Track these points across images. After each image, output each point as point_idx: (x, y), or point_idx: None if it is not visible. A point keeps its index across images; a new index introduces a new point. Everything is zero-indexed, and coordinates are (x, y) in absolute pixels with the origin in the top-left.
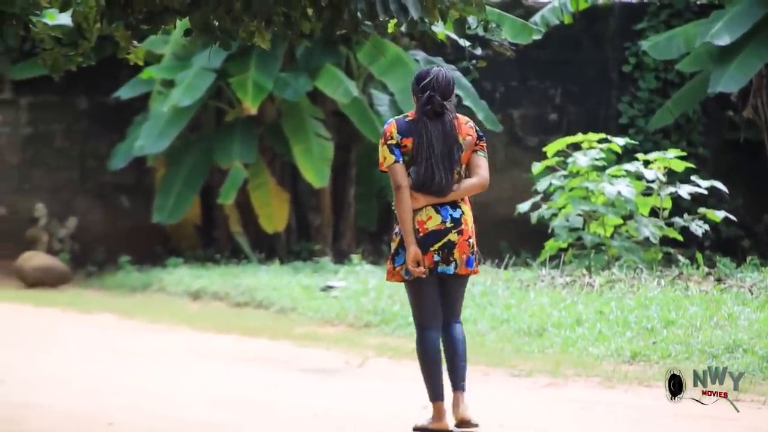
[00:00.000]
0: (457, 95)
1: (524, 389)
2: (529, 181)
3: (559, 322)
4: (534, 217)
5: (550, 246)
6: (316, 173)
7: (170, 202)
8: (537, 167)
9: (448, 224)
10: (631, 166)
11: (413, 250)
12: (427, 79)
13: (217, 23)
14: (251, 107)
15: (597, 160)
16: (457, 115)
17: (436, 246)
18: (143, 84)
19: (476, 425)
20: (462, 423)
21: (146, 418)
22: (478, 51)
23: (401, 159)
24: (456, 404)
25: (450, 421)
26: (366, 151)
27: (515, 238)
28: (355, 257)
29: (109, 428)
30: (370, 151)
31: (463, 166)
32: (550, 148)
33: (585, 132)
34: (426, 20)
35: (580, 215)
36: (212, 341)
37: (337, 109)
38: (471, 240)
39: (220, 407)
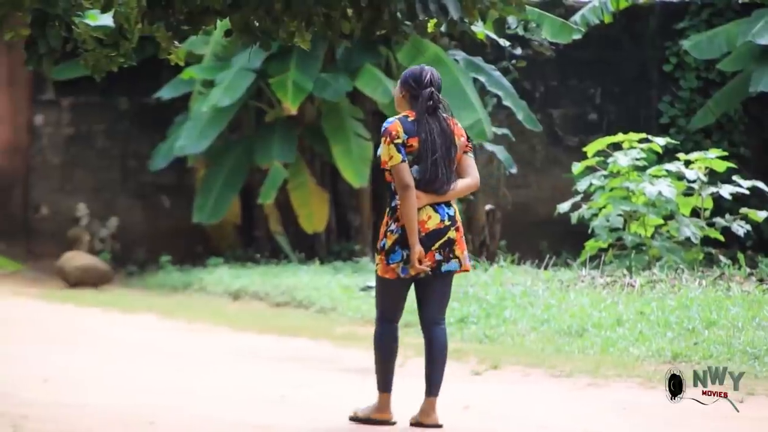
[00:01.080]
0: (496, 95)
1: (564, 390)
2: (569, 181)
3: (600, 322)
4: (574, 217)
5: (591, 246)
6: (355, 173)
7: (210, 202)
8: (577, 167)
9: (447, 222)
10: (672, 166)
11: (419, 249)
12: (425, 77)
13: (257, 24)
14: (291, 107)
15: (637, 160)
16: (447, 116)
17: (437, 245)
18: (184, 84)
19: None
20: (427, 427)
21: (187, 418)
22: (518, 51)
23: (407, 159)
24: (426, 411)
25: (394, 414)
26: None
27: (555, 239)
28: None
29: (151, 427)
30: None
31: (455, 166)
32: (591, 148)
33: (625, 132)
34: (465, 20)
35: (620, 215)
36: (252, 341)
37: (377, 109)
38: (465, 236)
39: (260, 407)
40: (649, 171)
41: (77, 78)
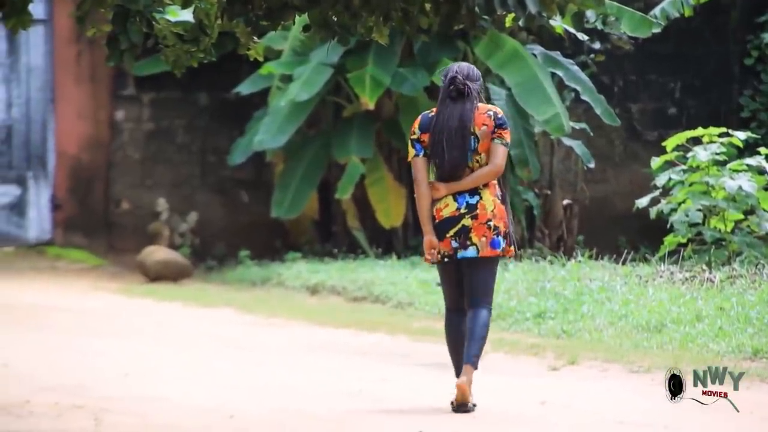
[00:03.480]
0: (574, 89)
1: (643, 385)
2: (647, 176)
3: (679, 318)
4: (653, 212)
5: (670, 241)
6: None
7: (289, 197)
8: (656, 162)
9: (462, 210)
10: (752, 161)
11: (428, 239)
12: (452, 68)
13: (335, 19)
14: (369, 102)
15: (717, 154)
16: (479, 104)
17: (452, 232)
18: (263, 79)
19: (470, 405)
20: (457, 403)
21: (266, 411)
22: (597, 45)
23: (421, 153)
24: (460, 374)
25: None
26: None
27: (634, 233)
28: None
29: (230, 421)
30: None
31: (483, 155)
32: (670, 143)
33: (705, 126)
34: (544, 14)
35: (699, 210)
36: (330, 335)
37: None
38: (491, 222)
39: (338, 401)
40: (730, 165)
41: (158, 73)
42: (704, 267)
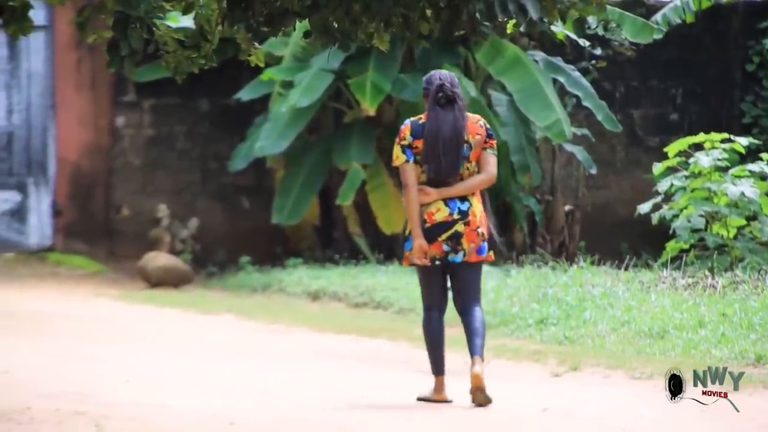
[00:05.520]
0: (575, 95)
1: (645, 392)
2: (649, 182)
3: (681, 324)
4: (655, 217)
5: (672, 247)
6: None
7: (289, 203)
8: (658, 168)
9: (455, 216)
10: (755, 167)
11: (419, 242)
12: (435, 75)
13: (336, 25)
14: (369, 108)
15: (719, 160)
16: (468, 114)
17: (444, 236)
18: (263, 86)
19: (487, 397)
20: (474, 387)
21: (267, 418)
22: (598, 51)
23: (412, 159)
24: (472, 365)
25: (449, 393)
26: None
27: (636, 239)
28: None
29: (231, 428)
30: None
31: (473, 163)
32: (672, 149)
33: (707, 132)
34: (545, 20)
35: (702, 216)
36: (331, 342)
37: None
38: (480, 230)
39: (340, 407)
40: (732, 171)
41: (158, 80)
42: (707, 273)
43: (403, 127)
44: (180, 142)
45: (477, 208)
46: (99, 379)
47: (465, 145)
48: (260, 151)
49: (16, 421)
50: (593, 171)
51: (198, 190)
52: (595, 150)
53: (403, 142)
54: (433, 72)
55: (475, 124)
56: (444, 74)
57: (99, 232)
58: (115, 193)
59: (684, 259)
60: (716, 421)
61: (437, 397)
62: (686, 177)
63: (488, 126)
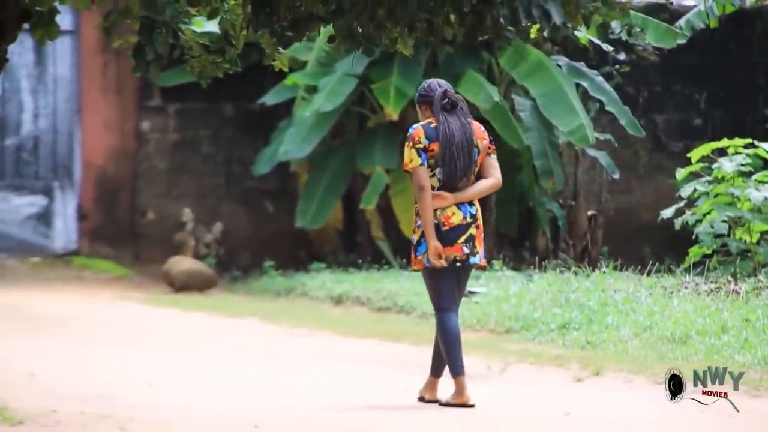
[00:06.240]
0: (599, 100)
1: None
2: (672, 187)
3: (704, 329)
4: (678, 223)
5: (695, 252)
6: None
7: (313, 207)
8: (681, 173)
9: (468, 219)
10: None
11: (434, 244)
12: (432, 83)
13: (360, 30)
14: (393, 113)
15: (743, 165)
16: (470, 120)
17: (462, 239)
18: (288, 90)
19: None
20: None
21: (290, 421)
22: (622, 56)
23: (426, 162)
24: (429, 387)
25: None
26: (508, 156)
27: (658, 245)
28: (497, 263)
29: (255, 430)
30: (512, 157)
31: (478, 167)
32: (695, 154)
33: (731, 137)
34: (569, 25)
35: (725, 221)
36: (354, 346)
37: (479, 115)
38: (483, 234)
39: (362, 411)
40: (755, 177)
41: (183, 84)
42: (729, 278)
43: (413, 131)
44: (204, 147)
45: (479, 212)
46: (124, 382)
47: (474, 149)
48: (284, 155)
49: (42, 423)
50: (616, 176)
51: (222, 194)
52: (618, 155)
53: (418, 146)
54: (429, 80)
55: (479, 129)
56: (442, 81)
57: (124, 236)
58: (140, 197)
59: (707, 264)
60: (738, 426)
61: (461, 400)
62: (709, 182)
63: (487, 132)
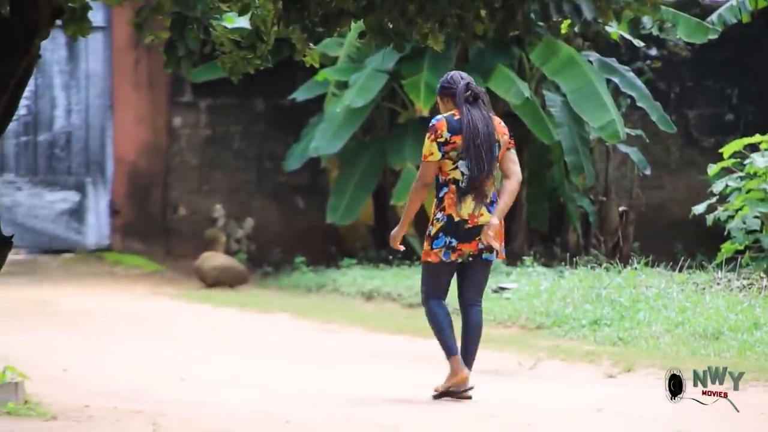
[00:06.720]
0: (630, 96)
1: (700, 393)
2: (704, 183)
3: (736, 325)
4: (710, 219)
5: (727, 248)
6: None
7: (344, 203)
8: (713, 168)
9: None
10: None
11: (401, 234)
12: (454, 75)
13: (391, 25)
14: (423, 108)
15: None
16: (491, 114)
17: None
18: (318, 86)
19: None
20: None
21: (322, 417)
22: (653, 51)
23: (444, 156)
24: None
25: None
26: (538, 152)
27: (690, 240)
28: (528, 259)
29: (286, 426)
30: (542, 153)
31: (498, 161)
32: (727, 149)
33: (763, 132)
34: (600, 21)
35: (757, 217)
36: (385, 341)
37: (510, 110)
38: (501, 230)
39: (393, 407)
40: None
41: (214, 80)
42: (762, 275)
43: (437, 122)
44: (236, 142)
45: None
46: (156, 377)
47: (495, 144)
48: (315, 151)
49: (75, 419)
50: (647, 172)
51: (253, 189)
52: (649, 151)
53: (439, 139)
54: (451, 72)
55: (500, 124)
56: (464, 74)
57: (156, 232)
58: (171, 193)
59: (739, 260)
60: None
61: (456, 381)
62: (741, 178)
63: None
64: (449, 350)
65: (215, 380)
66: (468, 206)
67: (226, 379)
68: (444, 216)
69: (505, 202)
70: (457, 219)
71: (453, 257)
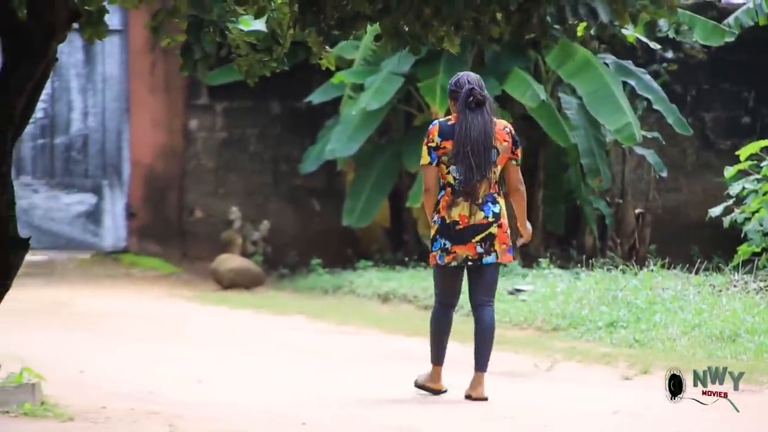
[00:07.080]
0: (646, 98)
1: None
2: (720, 185)
3: (753, 327)
4: (726, 221)
5: (743, 251)
6: None
7: (360, 205)
8: (729, 171)
9: (490, 219)
10: None
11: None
12: (462, 78)
13: (407, 28)
14: (439, 111)
15: None
16: (495, 119)
17: (478, 238)
18: (334, 89)
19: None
20: (474, 399)
21: (339, 419)
22: (669, 54)
23: (436, 161)
24: (474, 384)
25: (445, 383)
26: (554, 154)
27: (707, 243)
28: (544, 261)
29: (303, 428)
30: (558, 155)
31: (499, 168)
32: (743, 152)
33: None
34: (616, 23)
35: None
36: (401, 343)
37: (526, 113)
38: (507, 231)
39: (409, 408)
40: None
41: (230, 83)
42: None
43: (431, 128)
44: (252, 145)
45: (504, 211)
46: (172, 379)
47: (493, 150)
48: (331, 153)
49: (92, 420)
50: (664, 174)
51: (269, 192)
52: (665, 153)
53: (430, 144)
54: (460, 74)
55: (502, 130)
56: (472, 77)
57: (172, 234)
58: (188, 196)
59: (756, 262)
60: None
61: (433, 385)
62: (758, 180)
63: (514, 134)
64: (435, 358)
65: (232, 381)
66: (459, 208)
67: (242, 380)
68: (439, 218)
69: (521, 214)
70: (449, 221)
71: (447, 260)
